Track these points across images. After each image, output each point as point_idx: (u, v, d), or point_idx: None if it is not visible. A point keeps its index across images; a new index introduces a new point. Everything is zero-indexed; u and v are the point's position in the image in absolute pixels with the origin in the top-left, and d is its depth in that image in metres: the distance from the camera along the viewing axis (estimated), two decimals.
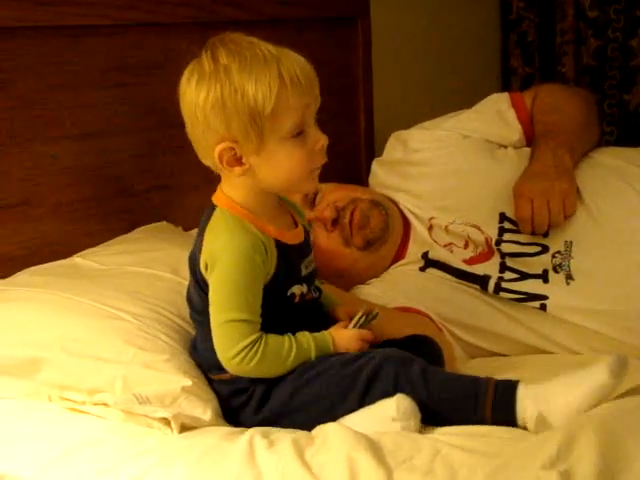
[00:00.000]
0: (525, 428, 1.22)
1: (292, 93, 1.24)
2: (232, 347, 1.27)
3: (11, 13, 1.63)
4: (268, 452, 1.18)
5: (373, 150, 2.38)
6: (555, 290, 1.71)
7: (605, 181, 1.82)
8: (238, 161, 1.27)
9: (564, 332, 1.70)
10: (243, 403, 1.33)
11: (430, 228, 1.86)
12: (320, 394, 1.29)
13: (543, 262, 1.73)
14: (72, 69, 1.76)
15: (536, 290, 1.71)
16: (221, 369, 1.31)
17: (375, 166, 2.05)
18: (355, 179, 2.12)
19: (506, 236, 1.78)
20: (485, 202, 1.83)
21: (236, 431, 1.28)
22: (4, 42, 1.64)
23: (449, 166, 1.90)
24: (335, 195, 1.86)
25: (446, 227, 1.84)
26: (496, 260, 1.77)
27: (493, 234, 1.79)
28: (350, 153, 2.38)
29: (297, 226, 1.38)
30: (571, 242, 1.73)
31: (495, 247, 1.78)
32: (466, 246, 1.81)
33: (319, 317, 1.38)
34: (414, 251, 1.86)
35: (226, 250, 1.27)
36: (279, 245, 1.31)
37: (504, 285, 1.73)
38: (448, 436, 1.21)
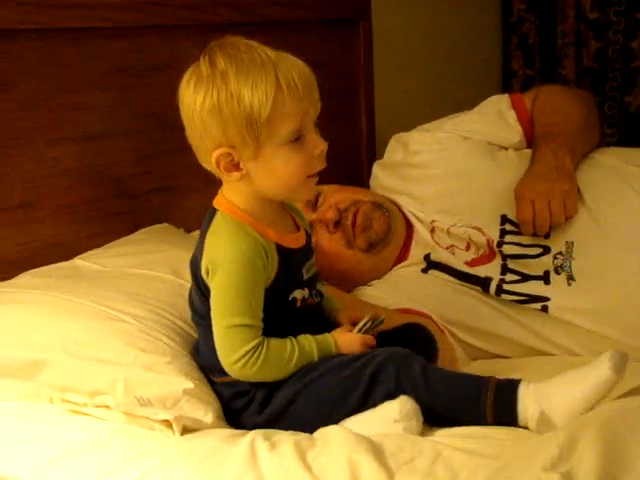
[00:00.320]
0: (526, 427, 1.22)
1: (289, 99, 1.23)
2: (234, 352, 1.27)
3: (13, 15, 1.63)
4: (270, 454, 1.18)
5: (374, 152, 2.38)
6: (556, 291, 1.71)
7: (606, 182, 1.82)
8: (236, 166, 1.27)
9: (565, 334, 1.70)
10: (245, 405, 1.33)
11: (432, 230, 1.86)
12: (322, 395, 1.29)
13: (544, 263, 1.73)
14: (73, 71, 1.76)
15: (537, 292, 1.71)
16: (223, 372, 1.31)
17: (376, 169, 2.05)
18: (356, 181, 2.13)
19: (507, 238, 1.78)
20: (486, 204, 1.83)
21: (238, 433, 1.28)
22: (6, 44, 1.64)
23: (450, 168, 1.90)
24: (337, 197, 1.86)
25: (448, 229, 1.84)
26: (498, 262, 1.77)
27: (495, 236, 1.79)
28: (351, 155, 2.38)
29: (299, 230, 1.38)
30: (572, 243, 1.73)
31: (497, 249, 1.78)
32: (468, 248, 1.81)
33: (321, 322, 1.37)
34: (416, 253, 1.86)
35: (227, 255, 1.27)
36: (280, 249, 1.30)
37: (505, 287, 1.73)
38: (449, 438, 1.21)
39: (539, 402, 1.21)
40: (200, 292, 1.33)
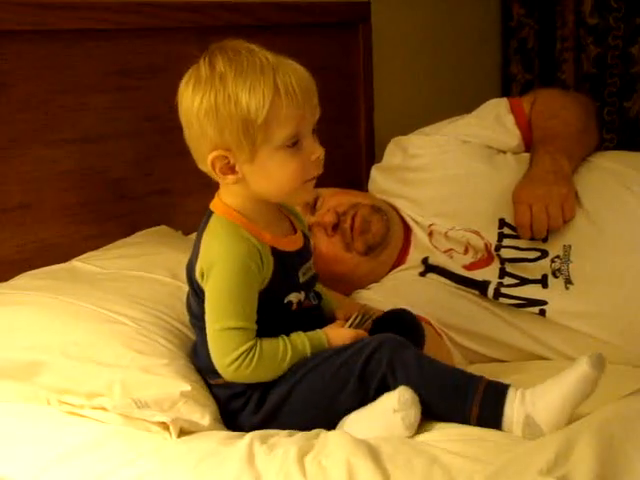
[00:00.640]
0: (510, 432, 1.22)
1: (286, 103, 1.23)
2: (227, 355, 1.27)
3: (12, 16, 1.63)
4: (267, 457, 1.18)
5: (373, 155, 2.38)
6: (554, 295, 1.71)
7: (603, 185, 1.82)
8: (231, 169, 1.27)
9: (562, 339, 1.70)
10: (241, 406, 1.33)
11: (430, 234, 1.86)
12: (317, 386, 1.29)
13: (542, 267, 1.73)
14: (72, 73, 1.76)
15: (535, 295, 1.72)
16: (218, 374, 1.31)
17: (374, 172, 2.05)
18: (355, 184, 2.13)
19: (505, 241, 1.78)
20: (484, 208, 1.83)
21: (235, 435, 1.28)
22: (5, 45, 1.64)
23: (448, 172, 1.90)
24: (336, 200, 1.86)
25: (446, 233, 1.84)
26: (495, 266, 1.77)
27: (493, 240, 1.79)
28: (350, 158, 2.38)
29: (296, 232, 1.38)
30: (570, 246, 1.73)
31: (495, 253, 1.78)
32: (466, 252, 1.81)
33: (318, 324, 1.37)
34: (414, 257, 1.86)
35: (221, 258, 1.27)
36: (275, 252, 1.31)
37: (503, 290, 1.73)
38: (446, 442, 1.21)
39: (525, 406, 1.22)
40: (196, 295, 1.33)
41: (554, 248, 1.74)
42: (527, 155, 1.90)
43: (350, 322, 1.36)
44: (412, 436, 1.25)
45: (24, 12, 1.65)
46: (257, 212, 1.31)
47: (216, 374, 1.32)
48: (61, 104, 1.74)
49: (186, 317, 1.42)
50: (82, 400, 1.34)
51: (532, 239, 1.75)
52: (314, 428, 1.28)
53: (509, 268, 1.76)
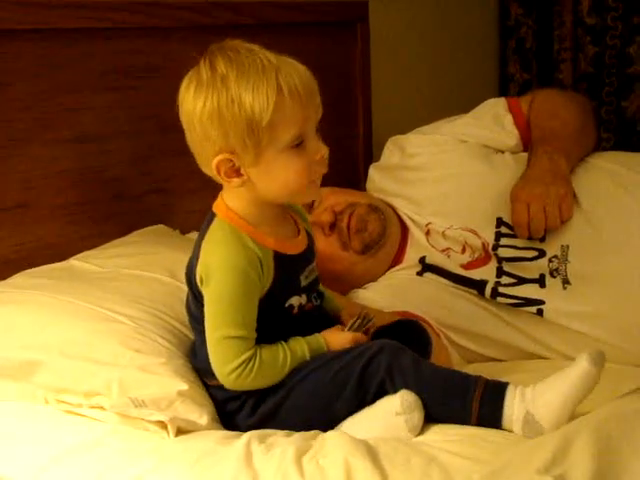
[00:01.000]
0: (510, 431, 1.23)
1: (291, 104, 1.21)
2: (227, 364, 1.27)
3: (10, 16, 1.63)
4: (265, 456, 1.18)
5: (371, 155, 2.38)
6: (552, 295, 1.71)
7: (601, 185, 1.82)
8: (236, 172, 1.26)
9: (560, 338, 1.70)
10: (238, 407, 1.33)
11: (427, 233, 1.86)
12: (315, 390, 1.29)
13: (540, 266, 1.73)
14: (70, 72, 1.76)
15: (533, 295, 1.72)
16: (215, 376, 1.31)
17: (372, 171, 2.05)
18: (353, 184, 2.13)
19: (503, 241, 1.78)
20: (482, 207, 1.83)
21: (232, 435, 1.28)
22: (3, 44, 1.64)
23: (446, 171, 1.91)
24: (333, 199, 1.86)
25: (443, 232, 1.84)
26: (493, 265, 1.77)
27: (490, 239, 1.79)
28: (348, 158, 2.38)
29: (299, 233, 1.37)
30: (567, 246, 1.73)
31: (492, 252, 1.78)
32: (463, 251, 1.81)
33: (318, 327, 1.36)
34: (412, 256, 1.86)
35: (221, 266, 1.26)
36: (278, 256, 1.30)
37: (501, 290, 1.73)
38: (444, 442, 1.21)
39: (525, 404, 1.22)
40: (194, 298, 1.33)
41: (552, 248, 1.74)
42: (525, 155, 1.90)
43: (349, 326, 1.36)
44: None
45: (23, 12, 1.65)
46: (261, 215, 1.30)
47: (213, 376, 1.31)
48: (59, 103, 1.74)
49: (184, 316, 1.42)
50: (80, 399, 1.34)
51: (529, 238, 1.75)
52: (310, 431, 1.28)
53: (507, 267, 1.76)
